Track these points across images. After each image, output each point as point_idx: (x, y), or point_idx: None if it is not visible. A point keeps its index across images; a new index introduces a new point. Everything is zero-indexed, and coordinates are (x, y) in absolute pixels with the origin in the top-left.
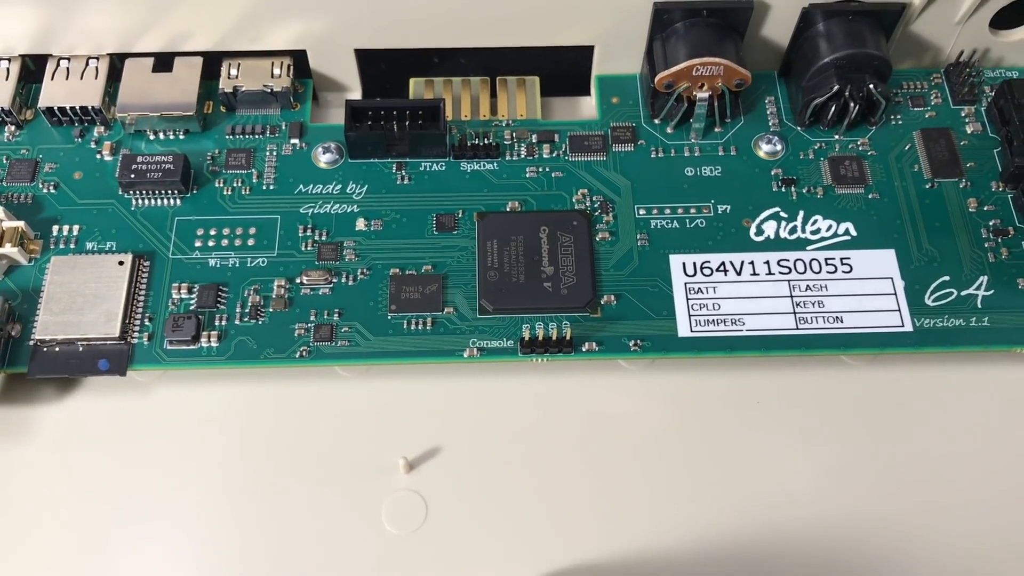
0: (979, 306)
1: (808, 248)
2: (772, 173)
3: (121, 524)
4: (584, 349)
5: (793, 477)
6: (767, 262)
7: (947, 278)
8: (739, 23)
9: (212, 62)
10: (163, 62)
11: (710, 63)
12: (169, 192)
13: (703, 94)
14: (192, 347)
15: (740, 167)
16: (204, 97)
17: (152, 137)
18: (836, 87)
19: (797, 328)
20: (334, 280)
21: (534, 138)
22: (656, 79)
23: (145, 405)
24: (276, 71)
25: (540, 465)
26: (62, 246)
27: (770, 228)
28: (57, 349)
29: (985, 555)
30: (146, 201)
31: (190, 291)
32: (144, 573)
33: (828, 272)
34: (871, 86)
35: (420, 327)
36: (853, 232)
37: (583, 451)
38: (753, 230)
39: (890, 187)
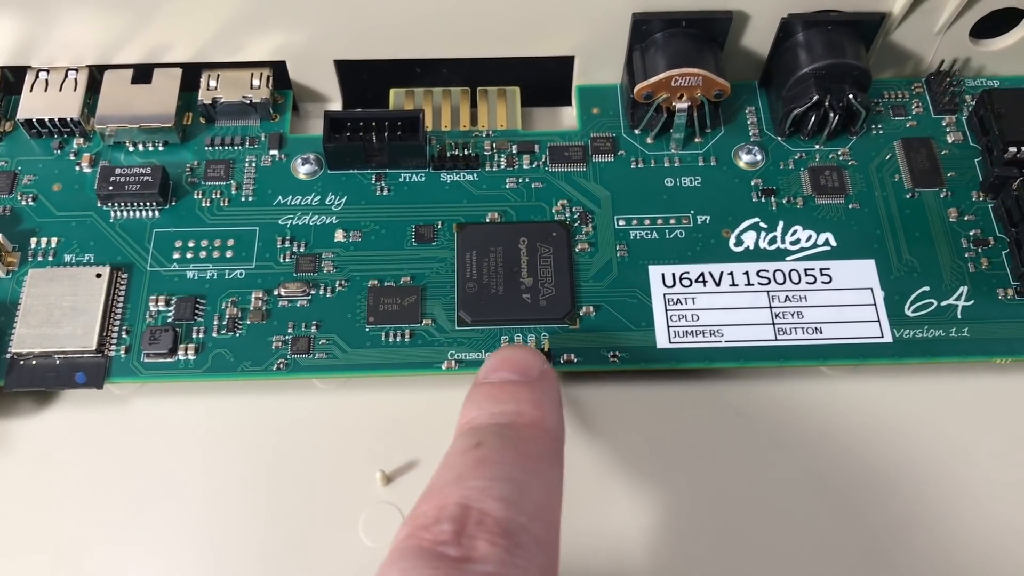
0: (959, 317)
1: (787, 259)
2: (752, 183)
3: (98, 538)
4: (563, 361)
5: (772, 488)
6: (746, 273)
7: (927, 288)
8: (718, 33)
9: (191, 73)
10: (142, 74)
11: (689, 74)
12: (147, 204)
13: (682, 105)
14: (169, 360)
15: (720, 177)
16: (183, 108)
17: (131, 149)
18: (816, 97)
19: (776, 339)
20: (312, 292)
21: (514, 149)
22: (635, 90)
23: (122, 418)
24: (255, 82)
25: None
26: (40, 259)
27: (750, 239)
28: (34, 362)
29: (963, 566)
30: (125, 213)
31: (168, 303)
32: None
33: (807, 283)
34: (851, 96)
35: (398, 339)
36: (833, 242)
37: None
38: (733, 241)
39: (870, 197)
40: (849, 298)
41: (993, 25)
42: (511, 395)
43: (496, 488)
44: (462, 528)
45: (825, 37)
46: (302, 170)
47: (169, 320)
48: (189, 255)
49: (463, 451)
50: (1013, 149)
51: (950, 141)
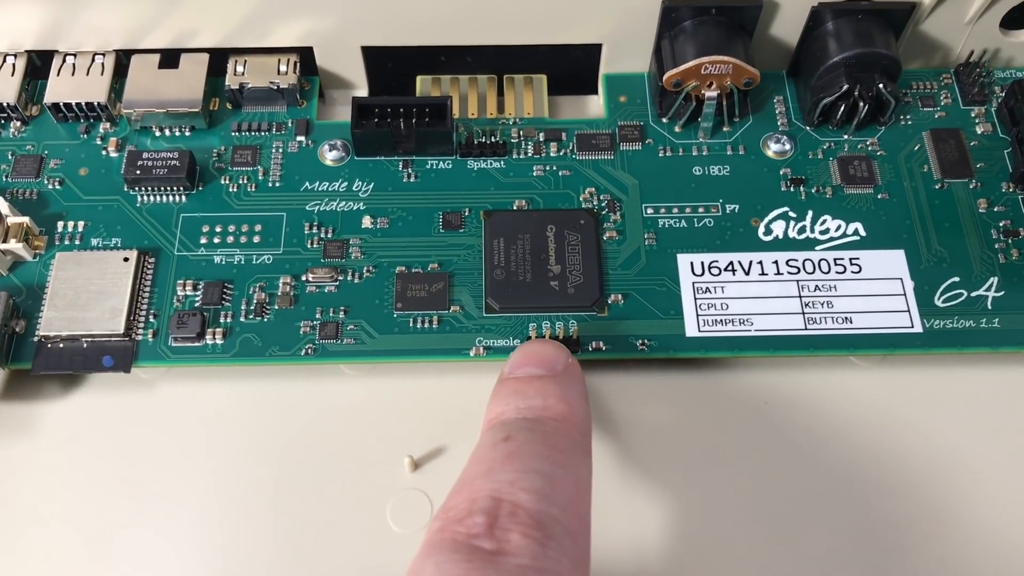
0: (989, 307)
1: (817, 248)
2: (781, 173)
3: (125, 521)
4: (591, 348)
5: (800, 478)
6: (775, 262)
7: (957, 279)
8: (748, 22)
9: (218, 59)
10: (169, 58)
11: (719, 62)
12: (174, 189)
13: (711, 93)
14: (197, 344)
15: (748, 166)
16: (210, 94)
17: (158, 134)
18: (845, 87)
19: (806, 328)
20: (340, 278)
21: (541, 136)
22: (664, 77)
23: (149, 402)
24: (283, 68)
25: None
26: (67, 242)
27: (779, 228)
28: (61, 345)
29: (995, 557)
30: (151, 198)
31: (195, 288)
32: (148, 570)
33: (837, 272)
34: (880, 86)
35: (426, 325)
36: (862, 232)
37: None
38: (762, 230)
39: (899, 187)
40: (879, 288)
41: (1023, 16)
42: (537, 390)
43: (527, 480)
44: (495, 520)
45: (855, 26)
46: (329, 156)
47: (197, 304)
48: (216, 240)
49: (492, 445)
50: None
51: (979, 132)
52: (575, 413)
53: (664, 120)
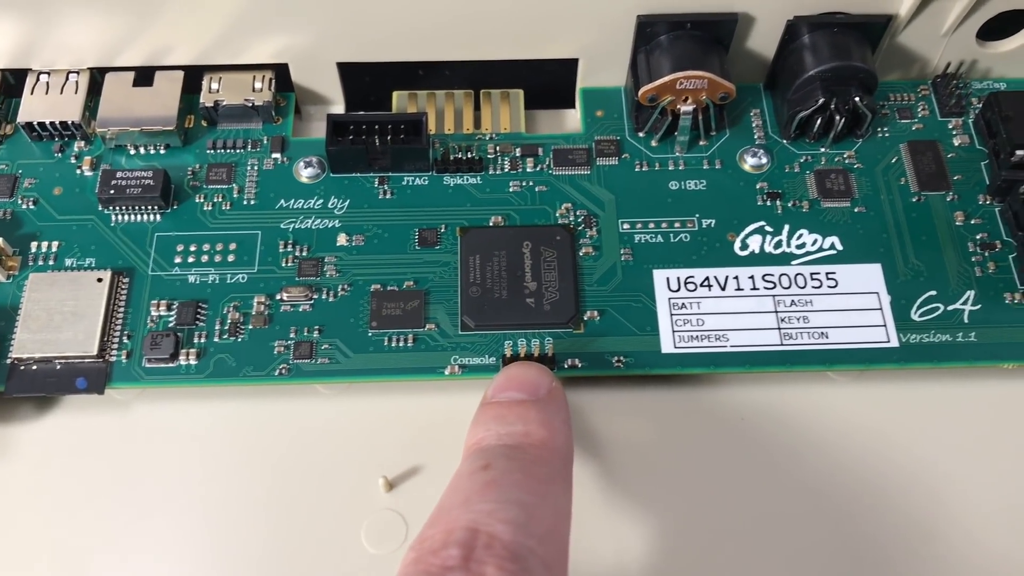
0: (966, 321)
1: (793, 263)
2: (757, 187)
3: (99, 544)
4: (566, 366)
5: (777, 494)
6: (752, 277)
7: (934, 293)
8: (723, 36)
9: (193, 76)
10: (144, 76)
11: (694, 76)
12: (149, 208)
13: (687, 107)
14: (171, 365)
15: (725, 181)
16: (185, 111)
17: (133, 152)
18: (821, 100)
19: (782, 344)
20: (315, 296)
21: (518, 152)
22: (640, 92)
23: (123, 424)
24: (258, 85)
25: None
26: (41, 263)
27: (755, 242)
28: (35, 367)
29: (976, 570)
30: (126, 217)
31: (169, 308)
32: None
33: (813, 287)
34: (856, 99)
35: (401, 344)
36: (839, 246)
37: None
38: (738, 244)
39: (876, 200)
40: (855, 302)
41: (1000, 27)
42: (519, 415)
43: (504, 511)
44: (470, 553)
45: (831, 39)
46: (304, 173)
47: (171, 325)
48: (191, 259)
49: (471, 473)
50: (1021, 152)
51: (957, 144)
52: (557, 440)
53: (641, 134)
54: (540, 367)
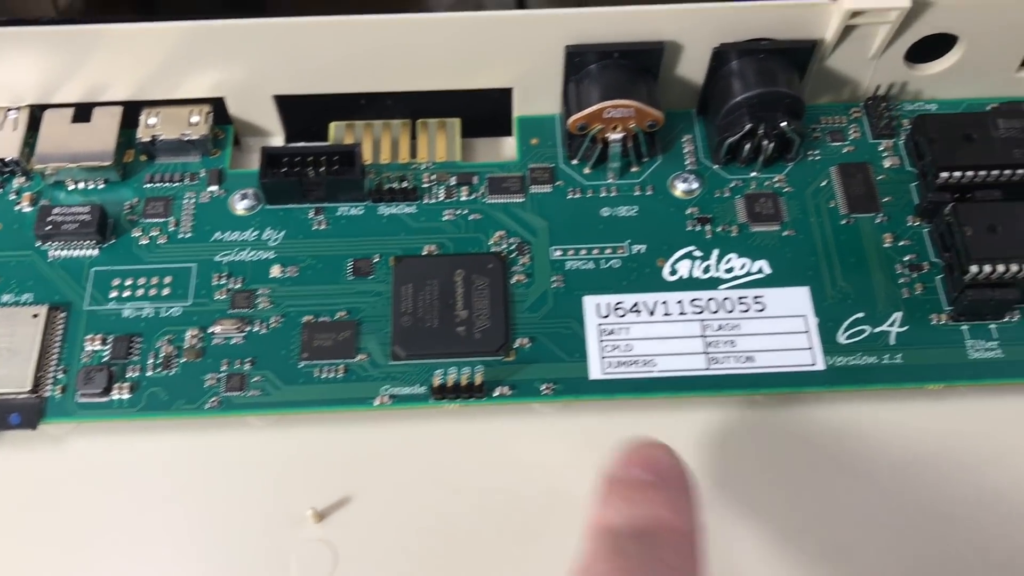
0: (892, 343)
1: (721, 287)
2: (687, 212)
3: None
4: (496, 394)
5: (706, 518)
6: (680, 302)
7: (861, 315)
8: (651, 64)
9: (132, 111)
10: (82, 112)
11: (620, 105)
12: (85, 243)
13: (616, 136)
14: (104, 399)
15: (656, 206)
16: (125, 146)
17: (72, 187)
18: (749, 126)
19: (708, 368)
20: (247, 328)
21: (453, 180)
22: (569, 121)
23: (57, 459)
24: (194, 119)
25: (452, 512)
26: None
27: (684, 267)
28: None
29: None
30: (63, 252)
31: (104, 342)
32: None
33: (741, 311)
34: (783, 124)
35: (332, 375)
36: (767, 270)
37: (495, 497)
38: (667, 270)
39: (806, 224)
40: (782, 326)
41: (930, 50)
42: (647, 497)
43: None
44: None
45: (758, 65)
46: (240, 206)
47: (105, 359)
48: (126, 293)
49: (605, 559)
50: (945, 174)
51: (887, 166)
52: (686, 524)
53: (574, 162)
54: (664, 446)
